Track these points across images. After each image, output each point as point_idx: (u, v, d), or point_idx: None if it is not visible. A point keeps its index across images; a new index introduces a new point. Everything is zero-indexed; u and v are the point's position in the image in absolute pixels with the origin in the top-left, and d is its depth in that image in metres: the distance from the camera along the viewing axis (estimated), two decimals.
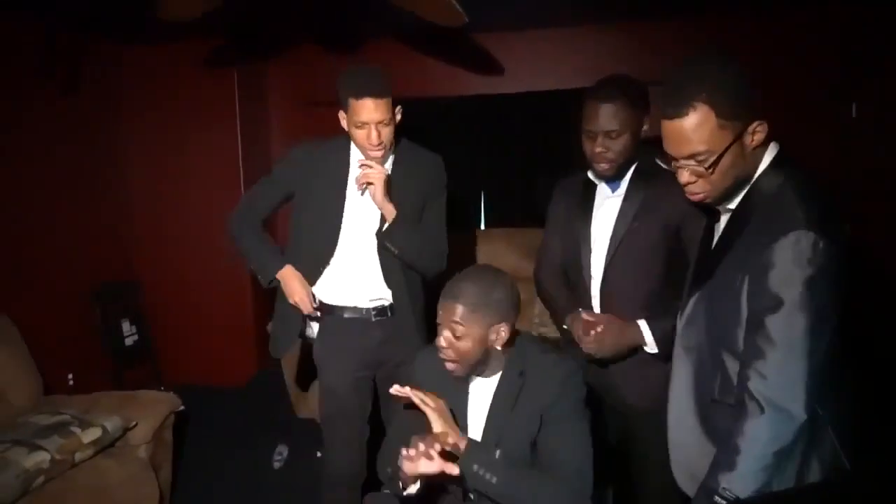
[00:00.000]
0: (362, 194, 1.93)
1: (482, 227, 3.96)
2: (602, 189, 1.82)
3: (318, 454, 2.92)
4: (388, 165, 1.97)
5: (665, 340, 1.66)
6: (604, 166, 1.70)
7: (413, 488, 1.47)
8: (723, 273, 1.26)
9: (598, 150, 1.67)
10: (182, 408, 2.58)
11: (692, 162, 1.21)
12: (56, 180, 3.21)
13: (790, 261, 1.12)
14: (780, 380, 1.14)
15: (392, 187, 1.93)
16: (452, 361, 1.48)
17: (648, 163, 1.75)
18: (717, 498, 1.17)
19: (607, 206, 1.79)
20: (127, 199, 3.78)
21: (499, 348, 1.48)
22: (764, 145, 1.24)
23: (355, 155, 1.96)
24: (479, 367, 1.51)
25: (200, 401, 3.36)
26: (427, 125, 3.85)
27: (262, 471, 2.93)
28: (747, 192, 1.25)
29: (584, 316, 1.77)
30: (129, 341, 3.61)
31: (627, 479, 1.92)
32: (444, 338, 1.47)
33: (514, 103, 3.72)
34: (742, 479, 1.16)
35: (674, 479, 1.82)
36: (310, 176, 1.97)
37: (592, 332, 1.74)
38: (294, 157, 2.01)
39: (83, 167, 3.41)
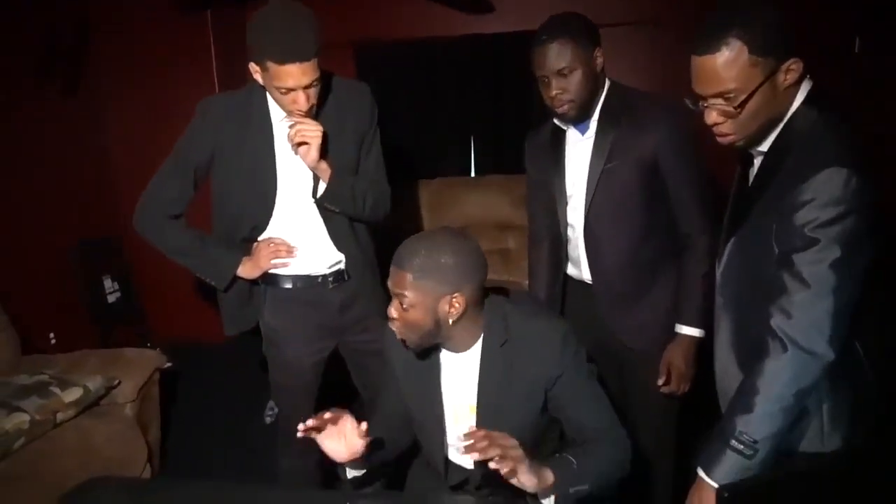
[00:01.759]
0: (296, 153, 1.68)
1: (472, 174, 3.84)
2: (571, 134, 1.74)
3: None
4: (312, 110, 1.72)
5: (703, 318, 1.66)
6: (564, 108, 1.63)
7: (352, 471, 1.39)
8: (757, 216, 1.20)
9: (555, 92, 1.60)
10: (169, 364, 2.51)
11: (720, 101, 1.15)
12: (31, 135, 3.05)
13: (821, 198, 1.07)
14: (805, 318, 1.09)
15: (326, 139, 1.68)
16: (401, 332, 1.35)
17: (615, 98, 1.68)
18: (733, 442, 1.12)
19: (579, 150, 1.72)
20: (105, 153, 3.62)
21: (451, 322, 1.32)
22: (797, 84, 1.16)
23: (276, 106, 1.69)
24: (440, 339, 1.37)
25: (191, 357, 3.31)
26: (414, 68, 3.70)
27: (255, 426, 2.89)
28: (780, 131, 1.18)
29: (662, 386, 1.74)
30: (111, 298, 3.51)
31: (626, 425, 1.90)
32: (394, 307, 1.33)
33: (506, 43, 3.55)
34: (760, 420, 1.11)
35: (671, 423, 1.82)
36: (227, 139, 1.70)
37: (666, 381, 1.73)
38: (203, 120, 1.72)
39: (58, 121, 3.25)
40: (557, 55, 1.58)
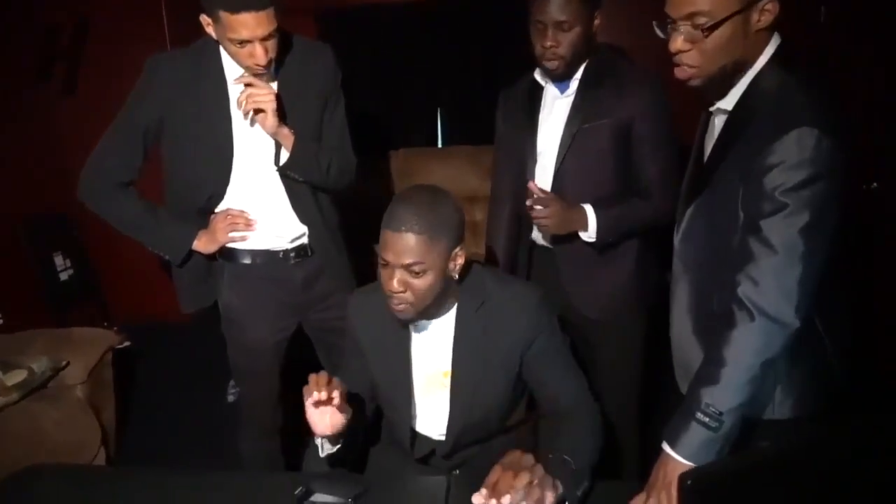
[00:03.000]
0: (252, 125, 1.60)
1: (440, 145, 3.75)
2: (550, 90, 1.70)
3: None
4: (271, 70, 1.62)
5: (606, 230, 1.62)
6: (554, 63, 1.59)
7: (325, 446, 1.32)
8: (721, 181, 1.15)
9: (549, 43, 1.56)
10: (128, 343, 2.42)
11: (689, 24, 1.08)
12: None
13: (791, 159, 1.03)
14: (773, 285, 1.05)
15: (284, 99, 1.60)
16: (408, 304, 1.26)
17: (602, 60, 1.65)
18: (698, 414, 1.09)
19: (556, 108, 1.69)
20: (53, 125, 3.42)
21: (456, 276, 1.30)
22: (768, 31, 1.10)
23: (230, 63, 1.60)
24: (433, 306, 1.32)
25: (152, 337, 3.21)
26: (373, 35, 3.57)
27: (217, 405, 2.82)
28: (745, 91, 1.13)
29: (534, 188, 1.62)
30: (63, 276, 3.36)
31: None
32: (398, 280, 1.23)
33: (473, 9, 3.43)
34: (726, 391, 1.08)
35: (634, 385, 1.82)
36: (178, 100, 1.59)
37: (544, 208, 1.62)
38: (151, 79, 1.61)
39: (4, 93, 3.06)
40: (562, 6, 1.54)
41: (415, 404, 1.43)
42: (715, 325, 1.16)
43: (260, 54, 1.48)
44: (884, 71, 2.91)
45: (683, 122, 1.56)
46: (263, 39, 1.47)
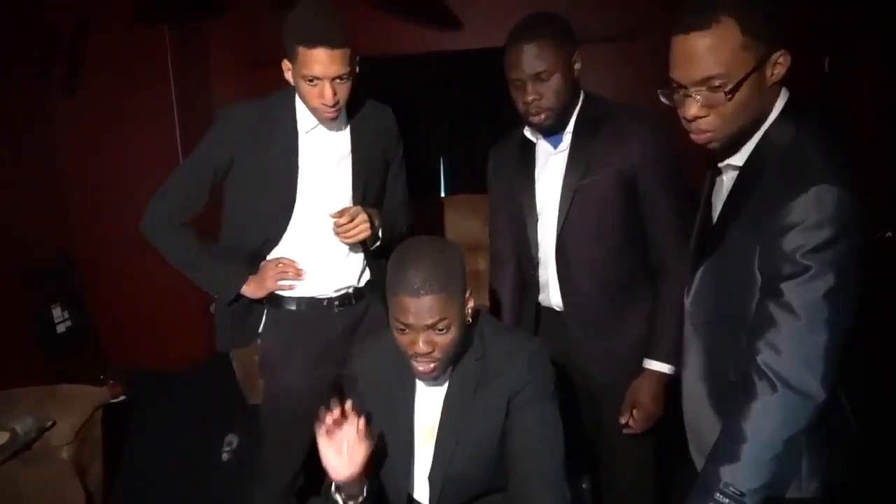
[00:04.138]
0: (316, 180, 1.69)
1: (443, 194, 3.73)
2: (542, 147, 1.62)
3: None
4: (343, 122, 1.70)
5: (674, 353, 1.49)
6: (541, 117, 1.50)
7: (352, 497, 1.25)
8: (733, 240, 1.09)
9: (531, 98, 1.47)
10: (123, 398, 2.34)
11: (704, 88, 1.02)
12: None
13: (811, 219, 0.96)
14: (796, 354, 0.98)
15: (354, 150, 1.71)
16: (437, 362, 1.23)
17: (592, 109, 1.55)
18: (718, 495, 1.00)
19: (551, 164, 1.60)
20: (57, 172, 3.42)
21: (470, 320, 1.29)
22: (780, 84, 1.06)
23: (303, 114, 1.66)
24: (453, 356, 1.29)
25: (146, 387, 3.17)
26: (379, 86, 3.59)
27: (210, 462, 2.71)
28: (756, 145, 1.07)
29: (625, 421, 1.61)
30: (61, 328, 3.30)
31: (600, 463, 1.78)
32: (424, 342, 1.20)
33: (475, 61, 3.46)
34: (748, 470, 0.99)
35: (648, 457, 1.69)
36: (249, 147, 1.65)
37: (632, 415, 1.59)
38: (227, 126, 1.68)
39: (5, 136, 3.06)
40: (536, 57, 1.45)
41: (414, 465, 1.36)
42: (731, 393, 1.09)
43: (329, 95, 1.53)
44: (890, 118, 2.89)
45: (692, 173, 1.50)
46: (334, 79, 1.52)
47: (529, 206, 1.64)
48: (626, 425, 1.61)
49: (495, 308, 1.84)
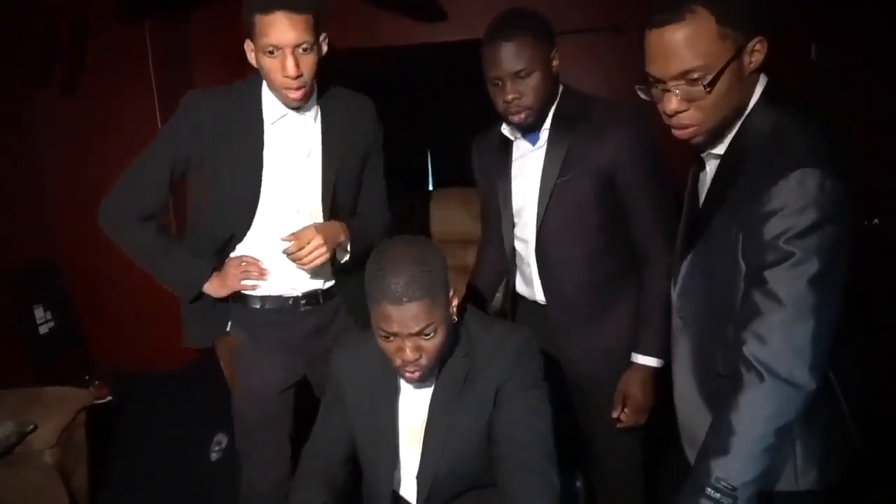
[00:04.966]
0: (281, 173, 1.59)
1: (430, 187, 3.70)
2: (520, 144, 1.60)
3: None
4: (313, 114, 1.61)
5: (661, 346, 1.49)
6: (521, 116, 1.48)
7: None
8: (717, 229, 1.07)
9: (511, 97, 1.44)
10: (109, 398, 2.30)
11: (683, 82, 1.00)
12: None
13: (793, 204, 0.94)
14: (783, 343, 0.96)
15: (326, 144, 1.58)
16: (424, 367, 1.21)
17: (569, 105, 1.53)
18: (709, 490, 0.98)
19: (529, 162, 1.58)
20: (39, 171, 3.37)
21: (455, 319, 1.27)
22: (758, 71, 1.04)
23: (270, 103, 1.57)
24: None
25: (133, 388, 3.13)
26: (365, 79, 3.56)
27: (199, 463, 2.67)
28: (737, 132, 1.05)
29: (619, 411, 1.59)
30: (43, 329, 3.25)
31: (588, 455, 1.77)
32: (412, 349, 1.17)
33: (461, 52, 3.42)
34: (738, 463, 0.98)
35: (635, 447, 1.69)
36: (211, 138, 1.55)
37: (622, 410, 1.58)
38: (187, 115, 1.57)
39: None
40: (515, 55, 1.43)
41: (400, 464, 1.35)
42: (720, 386, 1.07)
43: (290, 66, 1.41)
44: (879, 105, 2.88)
45: (676, 166, 1.48)
46: (296, 48, 1.41)
47: (507, 203, 1.63)
48: (618, 419, 1.59)
49: (474, 289, 1.83)
